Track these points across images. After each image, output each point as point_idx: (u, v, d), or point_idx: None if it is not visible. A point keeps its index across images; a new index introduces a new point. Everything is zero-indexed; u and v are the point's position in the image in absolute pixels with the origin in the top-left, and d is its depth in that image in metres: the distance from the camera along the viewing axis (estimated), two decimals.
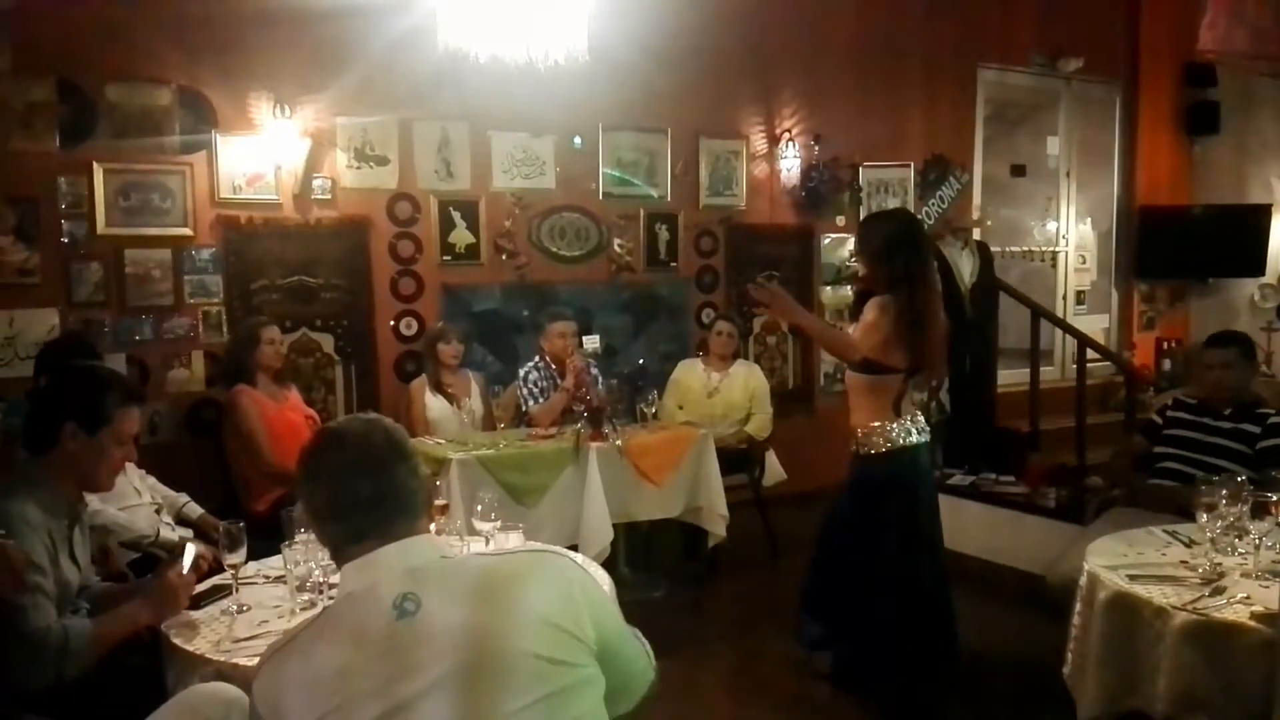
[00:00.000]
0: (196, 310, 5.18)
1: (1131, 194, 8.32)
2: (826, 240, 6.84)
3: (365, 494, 1.55)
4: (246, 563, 2.57)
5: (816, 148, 6.60)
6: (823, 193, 6.63)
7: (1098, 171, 8.31)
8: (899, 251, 3.54)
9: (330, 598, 2.34)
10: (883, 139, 6.94)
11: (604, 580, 2.61)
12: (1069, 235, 8.19)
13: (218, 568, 2.68)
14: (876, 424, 3.62)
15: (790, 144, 6.54)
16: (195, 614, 2.44)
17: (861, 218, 5.67)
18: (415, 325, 5.68)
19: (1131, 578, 2.80)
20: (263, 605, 2.50)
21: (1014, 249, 8.06)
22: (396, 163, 5.59)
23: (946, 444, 6.45)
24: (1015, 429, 6.71)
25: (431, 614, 1.45)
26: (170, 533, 3.55)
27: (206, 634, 2.33)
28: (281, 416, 4.66)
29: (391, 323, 5.66)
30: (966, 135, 7.44)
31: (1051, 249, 8.17)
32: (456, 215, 5.76)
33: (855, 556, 3.70)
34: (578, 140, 6.00)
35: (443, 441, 4.71)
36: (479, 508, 2.79)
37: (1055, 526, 4.91)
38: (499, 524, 2.77)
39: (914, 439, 3.64)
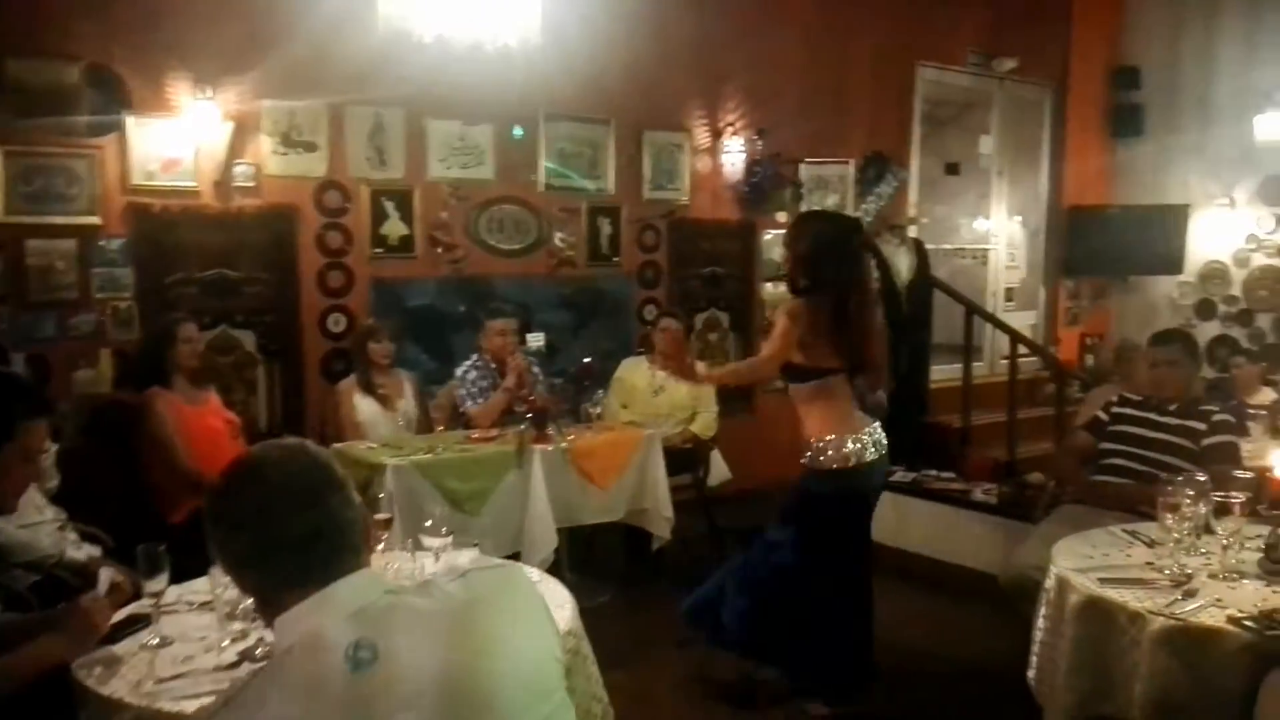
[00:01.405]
0: (105, 305, 4.85)
1: (1059, 193, 8.45)
2: (768, 236, 6.76)
3: (295, 533, 1.34)
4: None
5: (759, 143, 6.52)
6: (765, 188, 6.56)
7: (1028, 171, 8.42)
8: (827, 256, 3.43)
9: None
10: (823, 135, 6.90)
11: (565, 599, 2.47)
12: (1000, 233, 8.26)
13: (135, 594, 2.41)
14: (831, 437, 3.47)
15: (733, 138, 6.45)
16: (111, 649, 2.17)
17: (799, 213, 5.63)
18: (344, 322, 5.44)
19: (1102, 581, 2.75)
20: (187, 637, 2.24)
21: (947, 246, 8.11)
22: (326, 149, 5.34)
23: None
24: (947, 424, 6.76)
25: (393, 660, 1.27)
26: (76, 552, 3.24)
27: (125, 673, 2.06)
28: (200, 421, 4.38)
29: (319, 319, 5.40)
30: (904, 133, 7.46)
31: (983, 247, 8.24)
32: (389, 205, 5.52)
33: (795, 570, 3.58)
34: (518, 130, 5.81)
35: (375, 446, 4.49)
36: (428, 523, 2.61)
37: (1001, 523, 4.91)
38: (450, 539, 2.60)
39: (869, 455, 3.50)
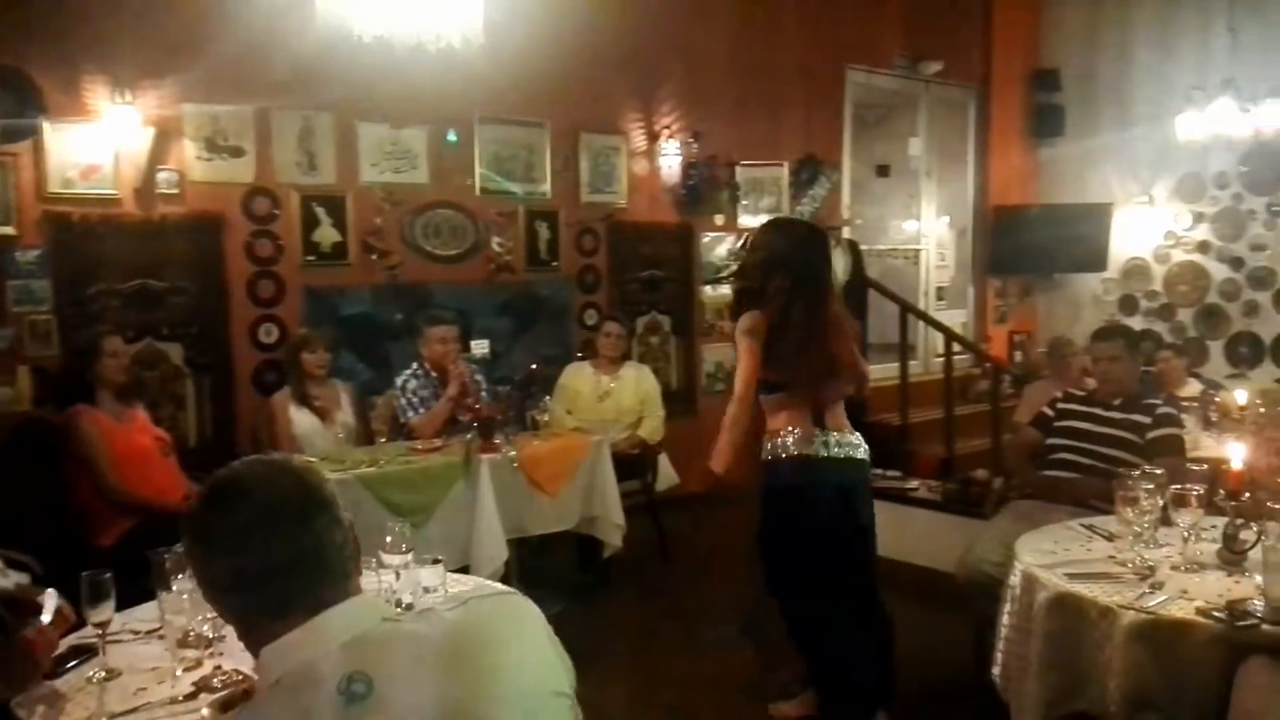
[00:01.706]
0: (22, 320, 4.61)
1: (985, 194, 8.60)
2: (706, 239, 6.74)
3: (279, 558, 1.25)
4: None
5: (695, 145, 6.49)
6: (702, 191, 6.54)
7: (955, 172, 8.56)
8: (780, 268, 3.35)
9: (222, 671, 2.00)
10: (757, 138, 6.91)
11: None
12: (929, 233, 8.37)
13: (77, 624, 2.23)
14: (792, 428, 3.40)
15: (670, 141, 6.41)
16: (53, 685, 2.01)
17: (763, 220, 5.56)
18: (276, 332, 5.26)
19: (1070, 576, 2.75)
20: (136, 668, 2.09)
21: (880, 247, 8.19)
22: (253, 154, 5.15)
23: None
24: (887, 422, 6.81)
25: (388, 693, 1.18)
26: (3, 580, 3.05)
27: (71, 710, 1.91)
28: (128, 438, 4.17)
29: (249, 329, 5.22)
30: (835, 135, 7.51)
31: (914, 247, 8.33)
32: (321, 211, 5.36)
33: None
34: (451, 134, 5.69)
35: (314, 460, 4.31)
36: (389, 539, 2.50)
37: (950, 520, 4.93)
38: (410, 556, 2.49)
39: (826, 452, 3.40)
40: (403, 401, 4.82)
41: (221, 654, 2.05)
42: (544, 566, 4.86)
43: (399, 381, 4.88)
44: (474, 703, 1.22)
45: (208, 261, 5.07)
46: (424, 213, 5.68)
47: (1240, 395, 5.24)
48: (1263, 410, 4.92)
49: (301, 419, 4.75)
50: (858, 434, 3.52)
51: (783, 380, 3.37)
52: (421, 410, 4.77)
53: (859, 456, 3.49)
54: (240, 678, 1.96)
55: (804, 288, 3.35)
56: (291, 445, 4.67)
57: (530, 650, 1.33)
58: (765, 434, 3.49)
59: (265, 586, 1.25)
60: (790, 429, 3.39)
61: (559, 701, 1.35)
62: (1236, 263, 7.90)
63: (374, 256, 5.50)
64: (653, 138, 6.48)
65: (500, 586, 1.42)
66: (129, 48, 4.74)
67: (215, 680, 1.97)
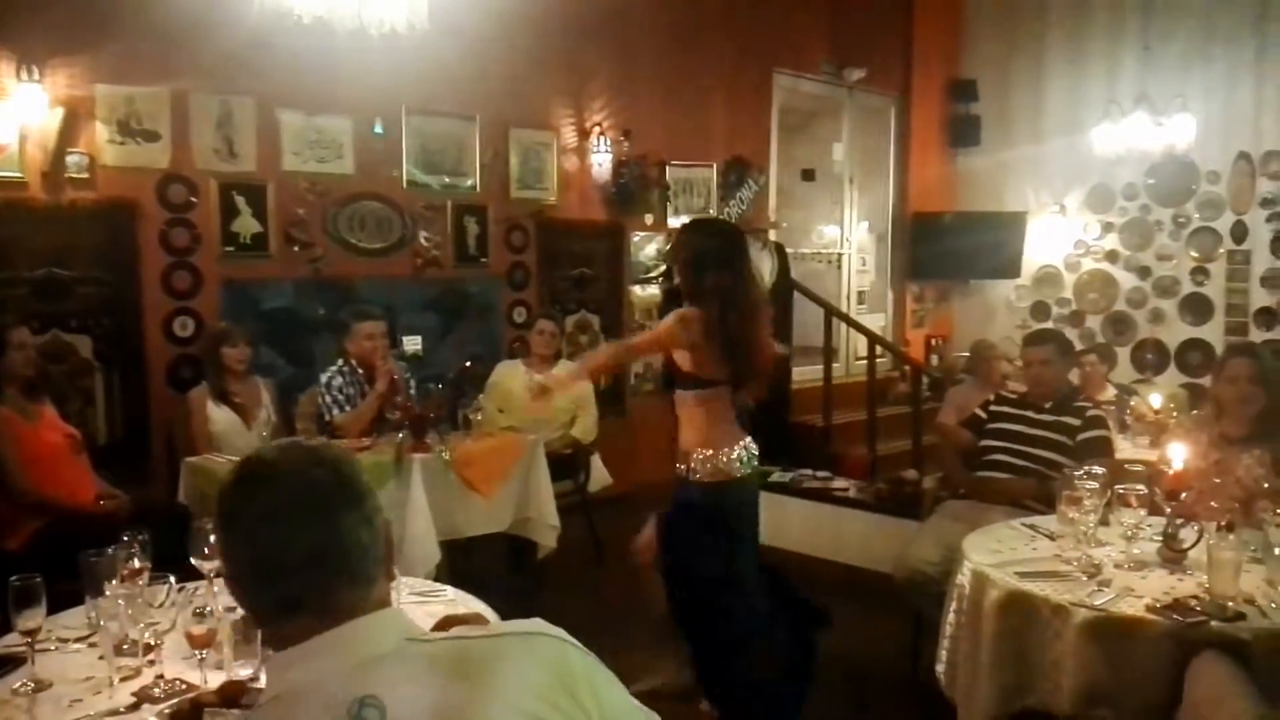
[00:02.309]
0: None
1: (905, 200, 8.75)
2: (636, 238, 6.69)
3: (298, 552, 1.16)
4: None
5: (626, 144, 6.44)
6: (633, 189, 6.49)
7: (876, 178, 8.68)
8: (709, 266, 3.30)
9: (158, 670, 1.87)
10: (687, 139, 6.90)
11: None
12: (851, 238, 8.47)
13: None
14: (710, 452, 3.32)
15: (601, 138, 6.35)
16: None
17: (685, 221, 5.52)
18: (192, 325, 5.03)
19: (1020, 575, 2.77)
20: (68, 679, 1.95)
21: (804, 251, 8.26)
22: (169, 139, 4.93)
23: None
24: (811, 423, 6.88)
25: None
26: None
27: None
28: (36, 436, 3.94)
29: (163, 322, 4.98)
30: (762, 138, 7.54)
31: (836, 251, 8.42)
32: (240, 200, 5.15)
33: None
34: (378, 125, 5.52)
35: (234, 459, 4.13)
36: None
37: (881, 520, 4.97)
38: None
39: (742, 470, 3.38)
40: (327, 399, 4.65)
41: (162, 662, 1.92)
42: (474, 569, 4.74)
43: (323, 378, 4.71)
44: (467, 710, 1.12)
45: (120, 250, 4.83)
46: (349, 204, 5.51)
47: (1155, 399, 5.41)
48: (1176, 414, 5.09)
49: (220, 416, 4.56)
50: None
51: (716, 377, 3.31)
52: (347, 408, 4.61)
53: (756, 461, 3.46)
54: (184, 687, 1.83)
55: (737, 285, 3.33)
56: (209, 444, 4.48)
57: (538, 671, 1.19)
58: (682, 443, 3.41)
59: (280, 580, 1.16)
60: (708, 451, 3.32)
61: None
62: (1143, 271, 8.19)
63: (296, 248, 5.32)
64: (583, 135, 6.41)
65: (537, 625, 1.26)
66: (38, 22, 4.49)
67: (157, 690, 1.84)
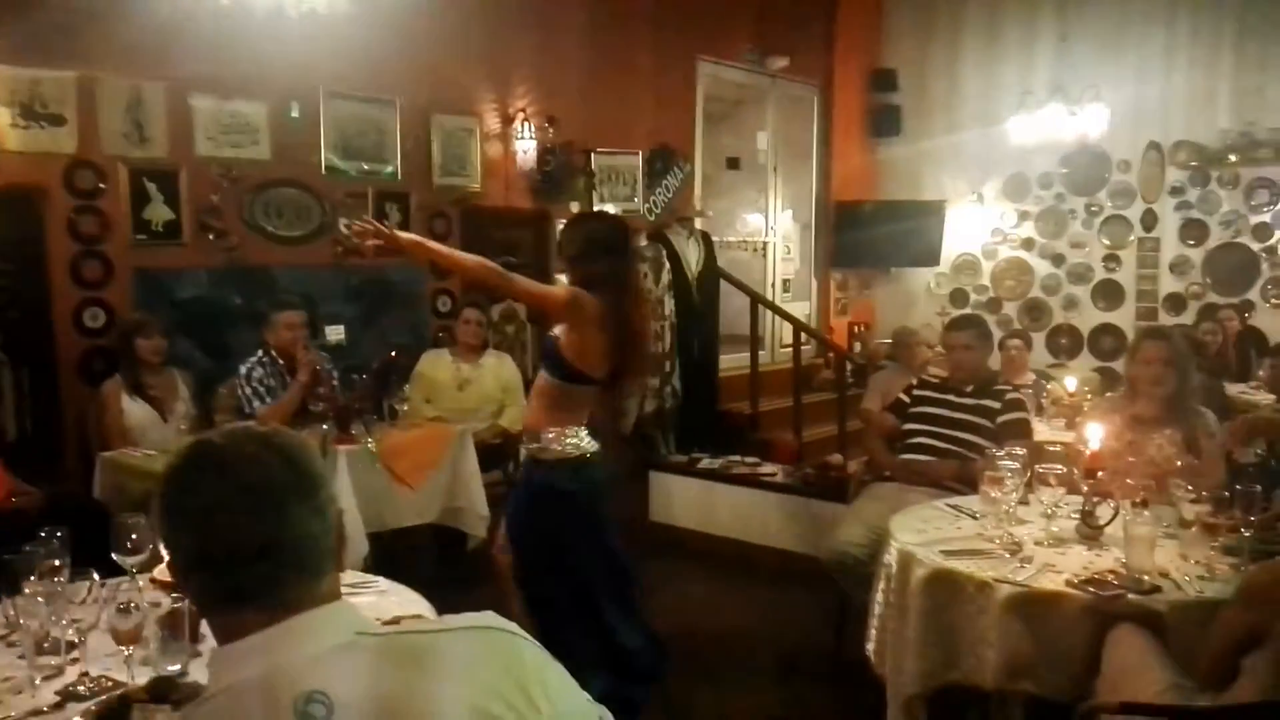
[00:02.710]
0: None
1: (828, 189, 8.84)
2: (561, 225, 6.60)
3: (247, 543, 1.12)
4: None
5: (551, 130, 6.38)
6: (558, 177, 6.43)
7: (800, 167, 8.74)
8: (601, 254, 3.26)
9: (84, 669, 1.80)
10: (613, 126, 6.86)
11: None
12: (776, 227, 8.54)
13: None
14: (554, 431, 3.25)
15: (525, 125, 6.28)
16: None
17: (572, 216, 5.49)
18: (103, 316, 4.85)
19: (945, 554, 2.83)
20: None
21: (730, 239, 8.30)
22: (75, 123, 4.73)
23: (678, 429, 6.56)
24: (737, 411, 6.94)
25: (348, 718, 1.06)
26: None
27: None
28: None
29: (73, 313, 4.79)
30: (688, 126, 7.54)
31: (761, 240, 8.48)
32: (152, 187, 4.97)
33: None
34: (295, 109, 5.39)
35: (151, 453, 4.06)
36: None
37: (809, 504, 5.03)
38: None
39: (589, 446, 3.31)
40: (247, 390, 4.54)
41: (86, 660, 1.86)
42: (401, 560, 4.67)
43: (243, 370, 4.59)
44: (417, 706, 1.09)
45: (24, 239, 4.65)
46: (265, 191, 5.36)
47: (1070, 383, 5.56)
48: (1090, 397, 5.24)
49: (135, 409, 4.43)
50: None
51: (593, 373, 3.22)
52: (268, 400, 4.51)
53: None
54: (111, 684, 1.77)
55: (629, 273, 3.35)
56: (124, 438, 4.36)
57: (486, 667, 1.17)
58: (528, 423, 3.37)
59: (227, 572, 1.12)
60: (552, 430, 3.25)
61: None
62: (1058, 259, 8.41)
63: (211, 236, 5.16)
64: (507, 121, 6.34)
65: (487, 619, 1.23)
66: None
67: (82, 688, 1.78)
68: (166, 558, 1.19)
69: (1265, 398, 5.06)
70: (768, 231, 8.48)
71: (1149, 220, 7.98)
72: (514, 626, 1.24)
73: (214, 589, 1.14)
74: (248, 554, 1.11)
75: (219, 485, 1.13)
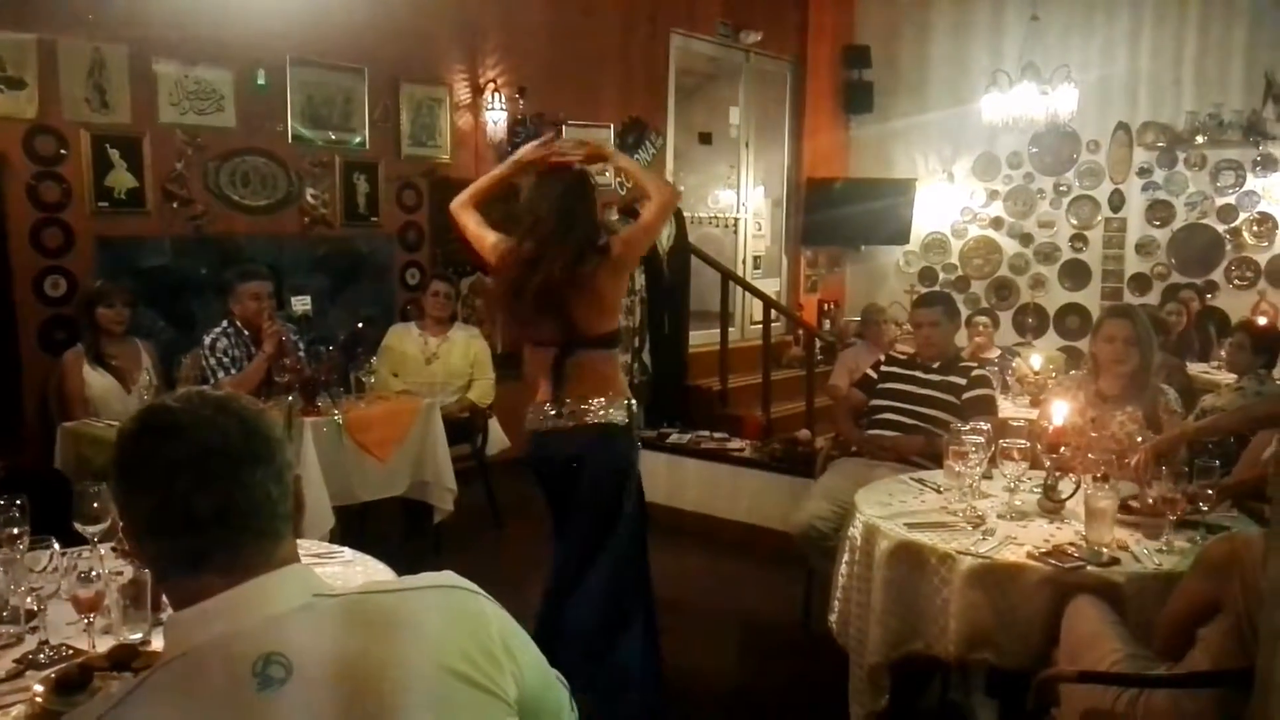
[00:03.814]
0: None
1: (799, 166, 8.84)
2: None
3: (203, 507, 1.10)
4: None
5: (521, 102, 6.33)
6: None
7: (772, 143, 8.74)
8: (529, 224, 3.09)
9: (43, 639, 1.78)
10: (583, 98, 6.82)
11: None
12: (748, 203, 8.54)
13: None
14: (612, 394, 3.15)
15: (495, 95, 6.23)
16: None
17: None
18: (64, 285, 4.79)
19: (909, 526, 2.85)
20: None
21: (701, 215, 8.29)
22: (35, 88, 4.64)
23: (648, 404, 6.56)
24: (707, 387, 6.96)
25: (307, 679, 1.05)
26: None
27: None
28: None
29: (33, 282, 4.72)
30: (660, 99, 7.51)
31: (732, 216, 8.48)
32: (115, 154, 4.90)
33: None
34: (261, 77, 5.31)
35: (114, 423, 3.99)
36: None
37: (777, 479, 5.05)
38: None
39: (550, 424, 3.16)
40: (211, 361, 4.48)
41: (46, 628, 1.84)
42: (368, 533, 4.66)
43: (207, 340, 4.53)
44: (385, 688, 1.08)
45: None
46: (231, 159, 5.29)
47: (1035, 361, 5.62)
48: (1054, 375, 5.29)
49: (97, 380, 4.37)
50: (604, 398, 3.13)
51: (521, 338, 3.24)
52: (233, 371, 4.46)
53: (590, 421, 3.11)
54: (71, 652, 1.76)
55: (553, 242, 3.01)
56: (86, 409, 4.30)
57: (454, 631, 1.17)
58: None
59: (183, 537, 1.11)
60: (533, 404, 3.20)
61: (467, 693, 1.15)
62: (1026, 238, 8.48)
63: (175, 205, 5.09)
64: (477, 91, 6.28)
65: (448, 578, 1.24)
66: None
67: (42, 656, 1.76)
68: (122, 525, 1.18)
69: (1226, 377, 5.13)
70: (739, 208, 8.48)
71: (1116, 201, 8.05)
72: (474, 585, 1.24)
73: (170, 553, 1.12)
74: (204, 518, 1.10)
75: (175, 449, 1.11)
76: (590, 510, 3.15)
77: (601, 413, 3.12)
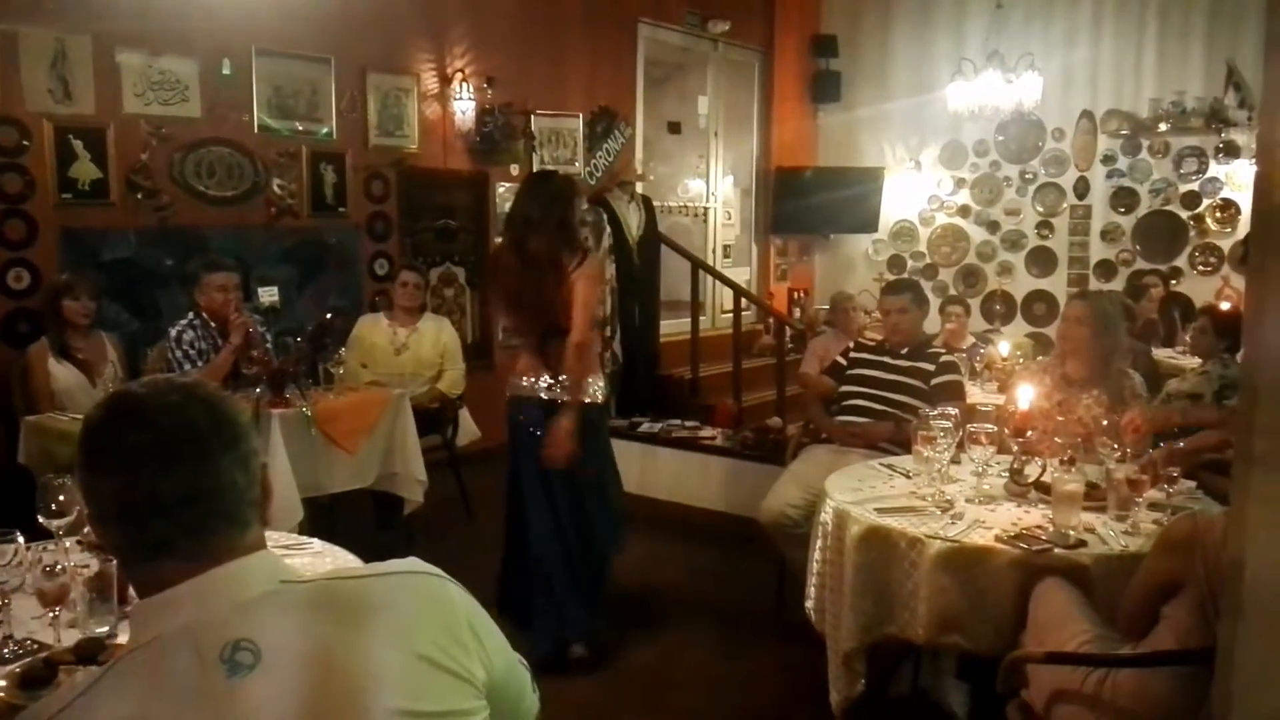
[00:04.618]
0: None
1: (768, 155, 8.85)
2: (502, 188, 6.57)
3: (169, 493, 1.09)
4: None
5: (490, 91, 6.30)
6: (497, 139, 6.36)
7: (741, 132, 8.75)
8: (510, 219, 3.80)
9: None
10: (553, 87, 6.81)
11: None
12: (717, 192, 8.55)
13: None
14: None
15: (463, 85, 6.19)
16: None
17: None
18: (28, 277, 4.73)
19: (879, 511, 2.87)
20: None
21: (671, 204, 8.28)
22: None
23: (620, 394, 6.57)
24: (678, 376, 6.97)
25: (276, 665, 1.05)
26: None
27: None
28: None
29: None
30: (629, 89, 7.50)
31: (702, 205, 8.49)
32: (79, 145, 4.83)
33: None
34: (226, 66, 5.25)
35: (79, 417, 3.91)
36: None
37: (748, 466, 5.07)
38: None
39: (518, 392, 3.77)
40: (178, 354, 4.43)
41: (10, 622, 1.82)
42: (339, 525, 4.64)
43: (173, 333, 4.48)
44: (356, 673, 1.09)
45: None
46: (196, 150, 5.24)
47: (1003, 347, 5.67)
48: (1022, 360, 5.35)
49: (62, 373, 4.32)
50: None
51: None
52: (199, 363, 4.41)
53: (543, 396, 3.66)
54: (36, 647, 1.74)
55: (528, 233, 3.58)
56: (51, 402, 4.26)
57: (424, 617, 1.17)
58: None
59: (149, 522, 1.10)
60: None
61: (438, 678, 1.16)
62: (993, 226, 8.54)
63: (140, 196, 5.03)
64: (445, 81, 6.24)
65: (413, 564, 1.25)
66: None
67: (6, 651, 1.74)
68: (87, 511, 1.17)
69: (1190, 362, 5.20)
70: (709, 197, 8.49)
71: (1081, 188, 8.13)
72: (440, 571, 1.24)
73: (135, 540, 1.11)
74: (170, 503, 1.09)
75: (141, 434, 1.11)
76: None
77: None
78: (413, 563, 1.24)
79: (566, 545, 3.66)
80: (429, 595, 1.20)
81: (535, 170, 6.30)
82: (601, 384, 3.80)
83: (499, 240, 3.70)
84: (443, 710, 1.14)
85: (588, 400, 3.66)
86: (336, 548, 2.46)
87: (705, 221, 8.47)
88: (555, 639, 3.62)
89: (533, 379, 3.67)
